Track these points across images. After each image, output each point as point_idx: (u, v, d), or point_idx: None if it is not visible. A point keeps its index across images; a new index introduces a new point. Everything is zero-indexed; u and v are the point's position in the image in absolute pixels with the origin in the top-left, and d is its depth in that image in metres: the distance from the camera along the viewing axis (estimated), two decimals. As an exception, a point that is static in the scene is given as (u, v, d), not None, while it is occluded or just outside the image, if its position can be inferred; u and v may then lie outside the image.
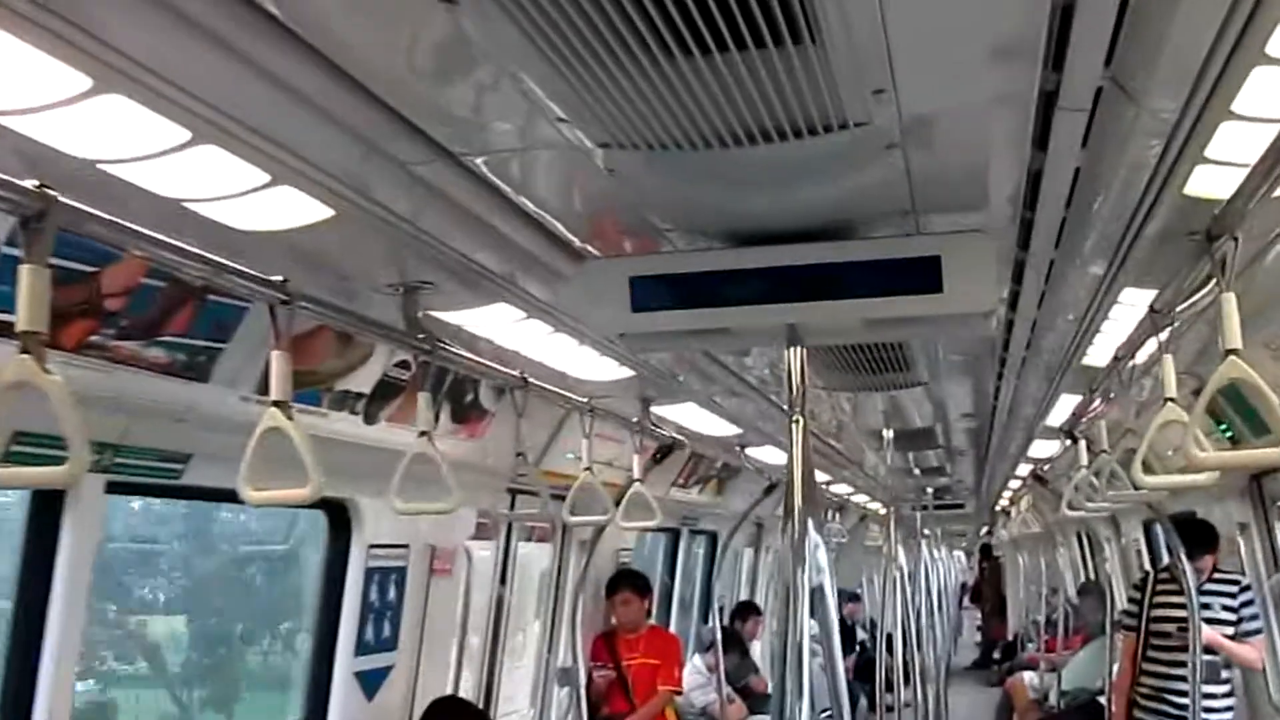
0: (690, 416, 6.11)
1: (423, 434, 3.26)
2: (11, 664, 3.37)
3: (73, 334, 2.89)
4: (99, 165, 2.22)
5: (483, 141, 2.51)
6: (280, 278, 2.56)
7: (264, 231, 2.62)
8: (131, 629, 6.01)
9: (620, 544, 8.12)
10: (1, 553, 3.65)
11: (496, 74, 2.14)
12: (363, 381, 4.07)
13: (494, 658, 6.66)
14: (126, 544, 5.93)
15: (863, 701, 11.47)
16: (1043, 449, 8.23)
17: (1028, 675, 12.68)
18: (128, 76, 1.91)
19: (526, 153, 2.61)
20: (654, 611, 8.95)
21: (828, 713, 3.20)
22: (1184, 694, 6.06)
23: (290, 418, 2.53)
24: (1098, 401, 4.67)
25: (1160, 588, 6.72)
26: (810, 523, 2.91)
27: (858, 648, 13.77)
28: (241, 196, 2.41)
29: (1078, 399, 5.42)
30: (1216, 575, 6.48)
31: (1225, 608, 6.35)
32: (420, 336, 3.24)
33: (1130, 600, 7.27)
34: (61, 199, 1.93)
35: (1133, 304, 3.62)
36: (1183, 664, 6.04)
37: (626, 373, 4.62)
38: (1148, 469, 3.32)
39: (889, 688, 9.95)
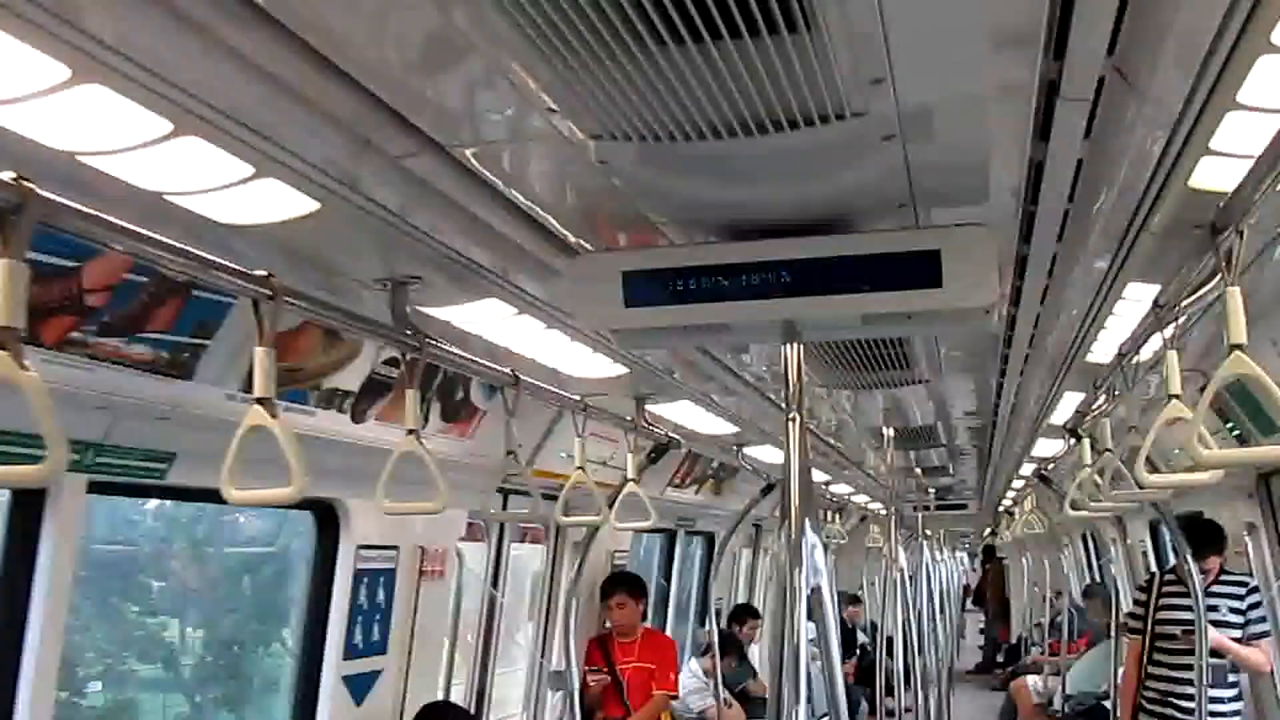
0: (686, 415, 6.11)
1: (411, 432, 3.25)
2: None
3: (53, 330, 2.89)
4: (78, 157, 2.22)
5: (472, 133, 2.51)
6: (264, 272, 2.55)
7: (248, 225, 2.62)
8: (150, 629, 6.04)
9: (615, 545, 8.13)
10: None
11: (485, 63, 2.13)
12: (350, 379, 4.07)
13: (485, 661, 6.66)
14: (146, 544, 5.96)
15: (863, 706, 11.50)
16: (1046, 448, 8.24)
17: (1031, 679, 12.70)
18: (107, 66, 1.90)
19: (517, 144, 2.61)
20: (650, 614, 8.96)
21: (826, 717, 3.21)
22: (1190, 698, 6.08)
23: (274, 415, 2.52)
24: (1101, 399, 4.67)
25: (1166, 589, 6.73)
26: (808, 523, 2.91)
27: (858, 651, 13.78)
28: (225, 189, 2.41)
29: (1081, 396, 5.43)
30: (1224, 577, 6.49)
31: (1232, 610, 6.36)
32: (408, 333, 3.24)
33: (1136, 602, 7.27)
34: (39, 191, 1.92)
35: (1137, 299, 3.62)
36: (1189, 667, 6.05)
37: (620, 370, 4.62)
38: (1152, 468, 3.33)
39: (890, 692, 9.96)
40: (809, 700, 2.91)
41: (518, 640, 7.69)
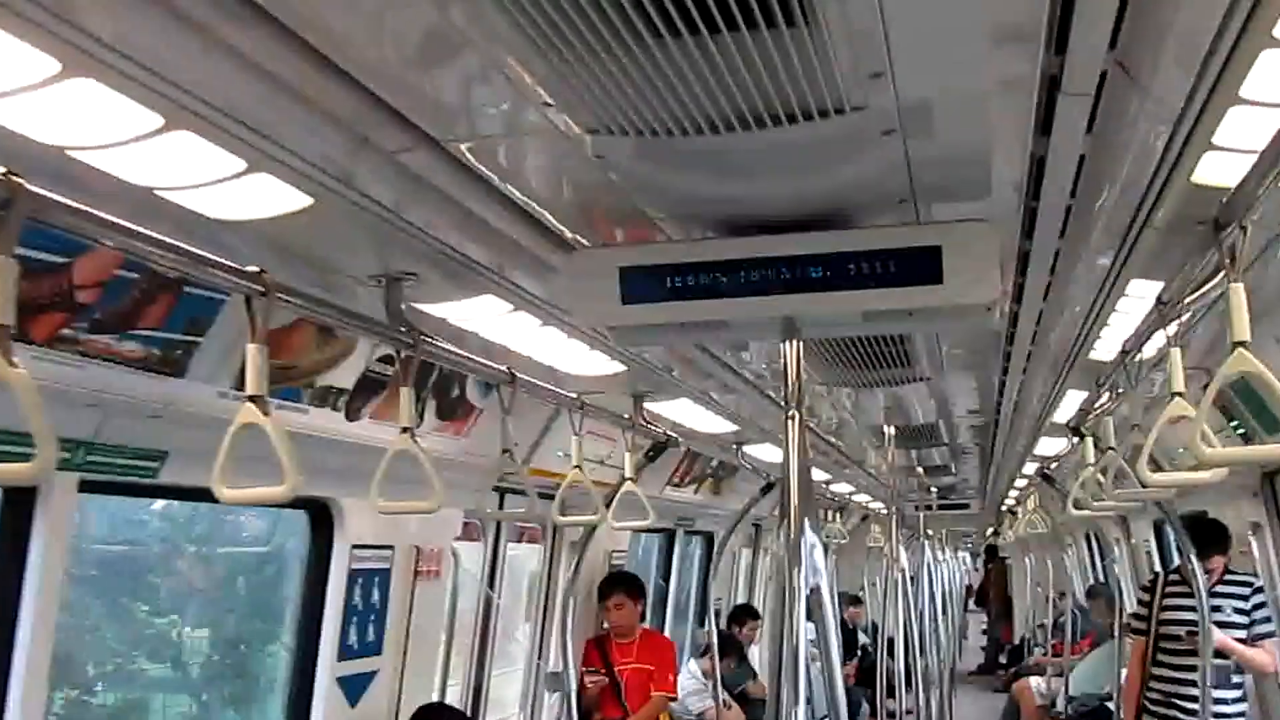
0: (685, 413, 6.11)
1: (405, 430, 3.26)
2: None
3: (43, 327, 2.89)
4: (68, 152, 2.22)
5: (467, 128, 2.51)
6: (256, 268, 2.55)
7: (240, 221, 2.62)
8: (160, 629, 6.09)
9: (613, 545, 8.14)
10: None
11: (480, 58, 2.13)
12: (345, 376, 4.07)
13: (482, 663, 6.66)
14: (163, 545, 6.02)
15: (864, 707, 11.50)
16: (1050, 446, 8.25)
17: (1034, 680, 12.72)
18: (98, 60, 1.90)
19: (512, 139, 2.61)
20: (648, 615, 8.96)
21: (827, 719, 3.21)
22: (1194, 699, 6.10)
23: (267, 413, 2.52)
24: (1105, 397, 4.68)
25: (1170, 590, 6.74)
26: (807, 523, 2.91)
27: (859, 652, 13.79)
28: (217, 184, 2.41)
29: (1084, 394, 5.43)
30: (1228, 577, 6.50)
31: (1237, 610, 6.37)
32: (403, 330, 3.24)
33: (1139, 603, 7.28)
34: (28, 187, 1.93)
35: (1140, 296, 3.63)
36: (1193, 668, 6.07)
37: (618, 367, 4.62)
38: (1156, 466, 3.33)
39: (891, 693, 9.97)
40: (809, 701, 2.91)
41: (517, 637, 7.70)
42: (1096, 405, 4.89)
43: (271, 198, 2.53)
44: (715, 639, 8.16)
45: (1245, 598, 6.40)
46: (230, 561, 6.41)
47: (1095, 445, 4.84)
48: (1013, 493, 14.33)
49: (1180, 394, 2.99)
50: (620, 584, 7.75)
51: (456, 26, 2.00)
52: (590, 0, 1.81)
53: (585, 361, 4.41)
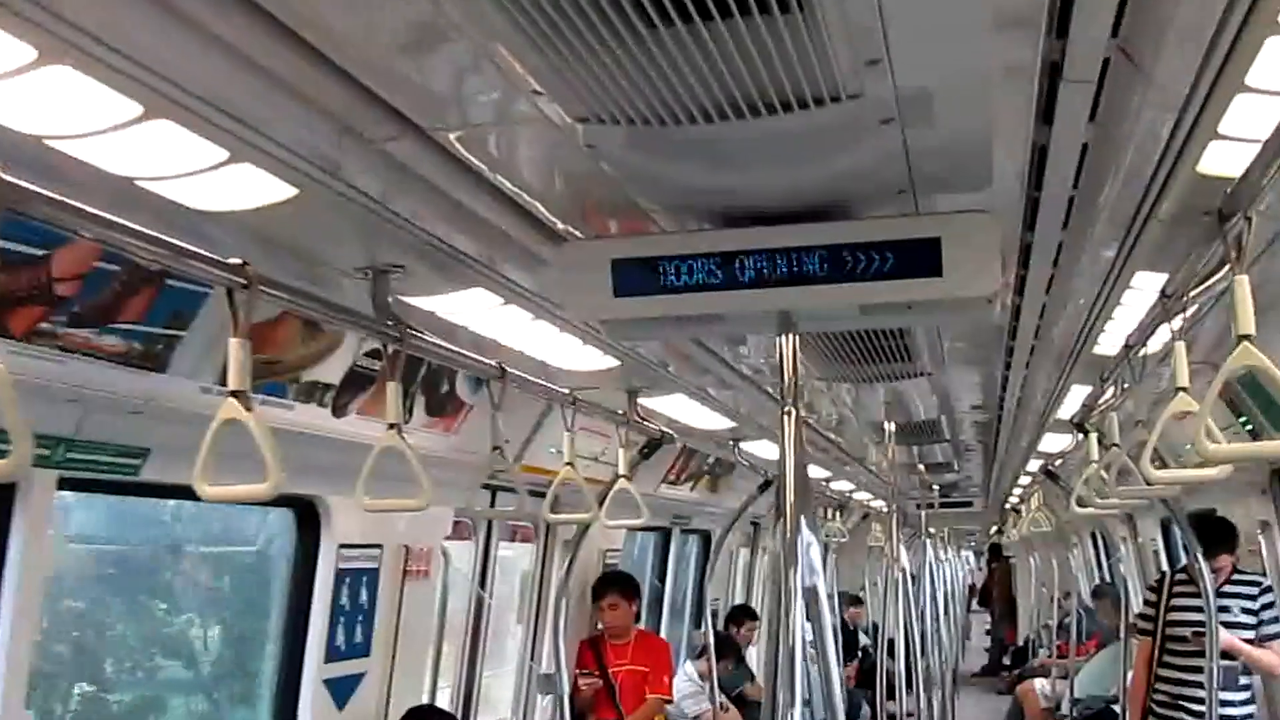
0: (680, 409, 6.11)
1: (392, 426, 3.26)
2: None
3: (21, 321, 2.89)
4: (45, 141, 2.22)
5: (455, 117, 2.51)
6: (239, 260, 2.55)
7: (223, 211, 2.62)
8: (177, 627, 6.15)
9: (607, 544, 8.14)
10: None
11: (468, 45, 2.13)
12: (331, 371, 4.07)
13: (473, 664, 6.67)
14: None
15: (865, 710, 11.52)
16: (1054, 443, 8.26)
17: (1039, 682, 12.73)
18: (75, 47, 1.90)
19: (502, 128, 2.61)
20: (643, 616, 8.97)
21: (824, 721, 3.22)
22: (1201, 701, 6.10)
23: (249, 409, 2.52)
24: (1109, 392, 4.68)
25: (1177, 589, 6.74)
26: (804, 521, 2.91)
27: (860, 653, 13.80)
28: (198, 174, 2.41)
29: (1089, 390, 5.44)
30: (1236, 576, 6.51)
31: (1245, 610, 6.38)
32: (390, 324, 3.24)
33: (1146, 603, 7.30)
34: (5, 177, 1.93)
35: (1144, 288, 3.63)
36: (1200, 669, 6.07)
37: (611, 362, 4.62)
38: (1162, 463, 3.34)
39: (891, 695, 9.97)
40: (807, 704, 2.92)
41: (513, 633, 7.71)
42: (1101, 401, 4.90)
43: (254, 188, 2.53)
44: (712, 640, 8.16)
45: (1253, 598, 6.41)
46: (242, 560, 6.46)
47: (1099, 441, 4.85)
48: (1017, 490, 14.35)
49: (1185, 389, 2.99)
50: (615, 584, 7.75)
51: (444, 13, 2.00)
52: (581, -14, 1.81)
53: (578, 356, 4.41)
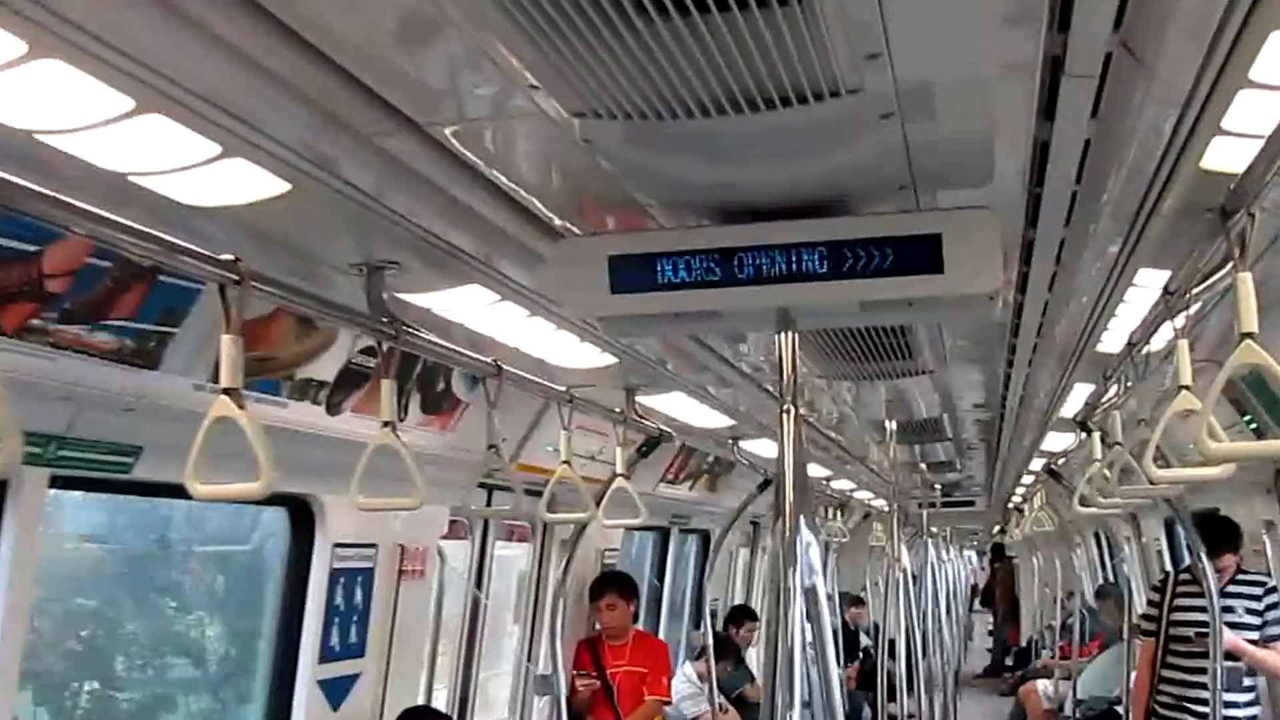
0: (679, 407, 6.11)
1: (386, 424, 3.26)
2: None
3: (12, 317, 2.89)
4: (35, 136, 2.22)
5: (450, 111, 2.51)
6: (231, 256, 2.55)
7: (215, 207, 2.62)
8: (189, 624, 6.27)
9: (605, 544, 8.15)
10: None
11: (463, 38, 2.14)
12: (325, 369, 4.07)
13: (469, 665, 6.68)
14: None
15: (866, 712, 11.53)
16: (1057, 442, 8.26)
17: (1042, 684, 12.75)
18: (66, 40, 1.90)
19: (497, 123, 2.61)
20: (641, 616, 8.99)
21: (823, 723, 3.22)
22: (1205, 702, 6.10)
23: (241, 406, 2.53)
24: (1112, 390, 4.69)
25: (1181, 590, 6.75)
26: (803, 520, 2.91)
27: (861, 655, 13.81)
28: (190, 169, 2.41)
29: (1092, 388, 5.44)
30: (1240, 576, 6.51)
31: (1249, 611, 6.38)
32: (384, 320, 3.24)
33: (1149, 603, 7.30)
34: (-5, 172, 1.93)
35: (1148, 286, 3.64)
36: (1204, 671, 6.07)
37: (609, 360, 4.62)
38: (1164, 462, 3.34)
39: (892, 697, 9.98)
40: (806, 705, 2.92)
41: (511, 634, 7.71)
42: (1104, 399, 4.90)
43: (247, 183, 2.53)
44: (711, 641, 8.15)
45: (1258, 598, 6.41)
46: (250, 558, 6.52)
47: (1102, 440, 4.85)
48: (1019, 489, 14.36)
49: (1187, 387, 2.99)
50: (612, 584, 7.75)
51: (438, 6, 2.00)
52: (576, -22, 1.81)
53: (575, 354, 4.41)
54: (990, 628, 22.92)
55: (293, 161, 2.47)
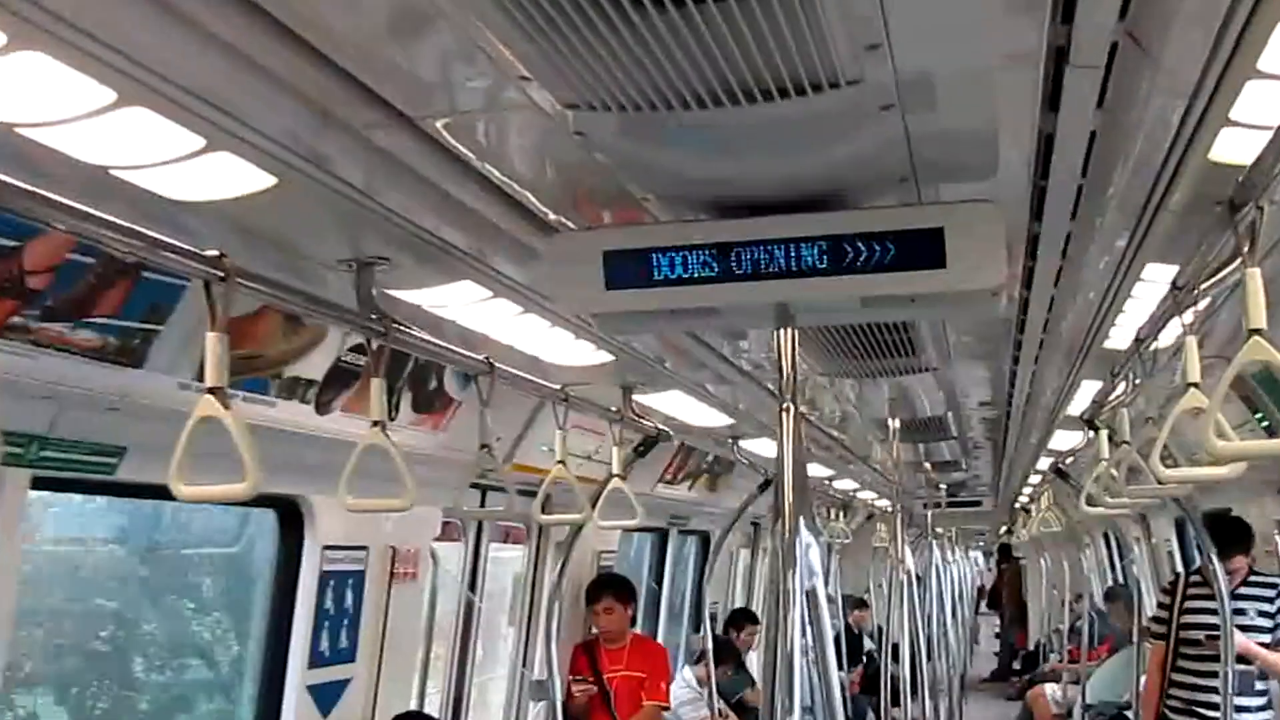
0: (677, 406, 6.11)
1: (376, 424, 3.26)
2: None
3: (-9, 315, 2.89)
4: (16, 129, 2.21)
5: (441, 103, 2.51)
6: (216, 252, 2.56)
7: (200, 201, 2.62)
8: (204, 625, 6.38)
9: (602, 546, 8.15)
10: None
11: (453, 28, 2.14)
12: (314, 367, 4.08)
13: (462, 670, 6.68)
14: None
15: (870, 717, 11.54)
16: (1064, 440, 8.27)
17: (1050, 688, 12.77)
18: (47, 32, 1.90)
19: (489, 116, 2.61)
20: (639, 619, 8.98)
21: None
22: (1216, 707, 6.12)
23: (227, 406, 2.53)
24: (1120, 388, 4.69)
25: (1191, 592, 6.76)
26: (803, 521, 2.92)
27: (864, 659, 13.83)
28: (174, 163, 2.41)
29: (1099, 385, 5.45)
30: (1252, 578, 6.53)
31: (1261, 613, 6.40)
32: (374, 317, 3.24)
33: (1159, 605, 7.31)
34: (-28, 166, 1.93)
35: (1156, 280, 3.64)
36: (1215, 674, 6.09)
37: (605, 357, 4.62)
38: (1173, 461, 3.35)
39: (896, 702, 9.99)
40: (809, 710, 2.93)
41: (506, 637, 7.72)
42: (1111, 396, 4.91)
43: (233, 177, 2.52)
44: (711, 645, 8.17)
45: (1270, 600, 6.43)
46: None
47: (1110, 439, 4.86)
48: (1027, 489, 14.37)
49: (1196, 385, 3.00)
50: (609, 587, 7.75)
51: (427, -5, 2.00)
52: (568, -33, 1.81)
53: (570, 351, 4.41)
54: (997, 631, 22.95)
55: (280, 155, 2.47)
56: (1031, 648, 19.32)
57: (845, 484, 12.62)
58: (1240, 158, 2.54)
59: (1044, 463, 10.29)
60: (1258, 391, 5.06)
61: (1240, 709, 6.11)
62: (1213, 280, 2.94)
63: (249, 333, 3.62)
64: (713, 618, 9.75)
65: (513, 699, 7.30)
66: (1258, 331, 2.42)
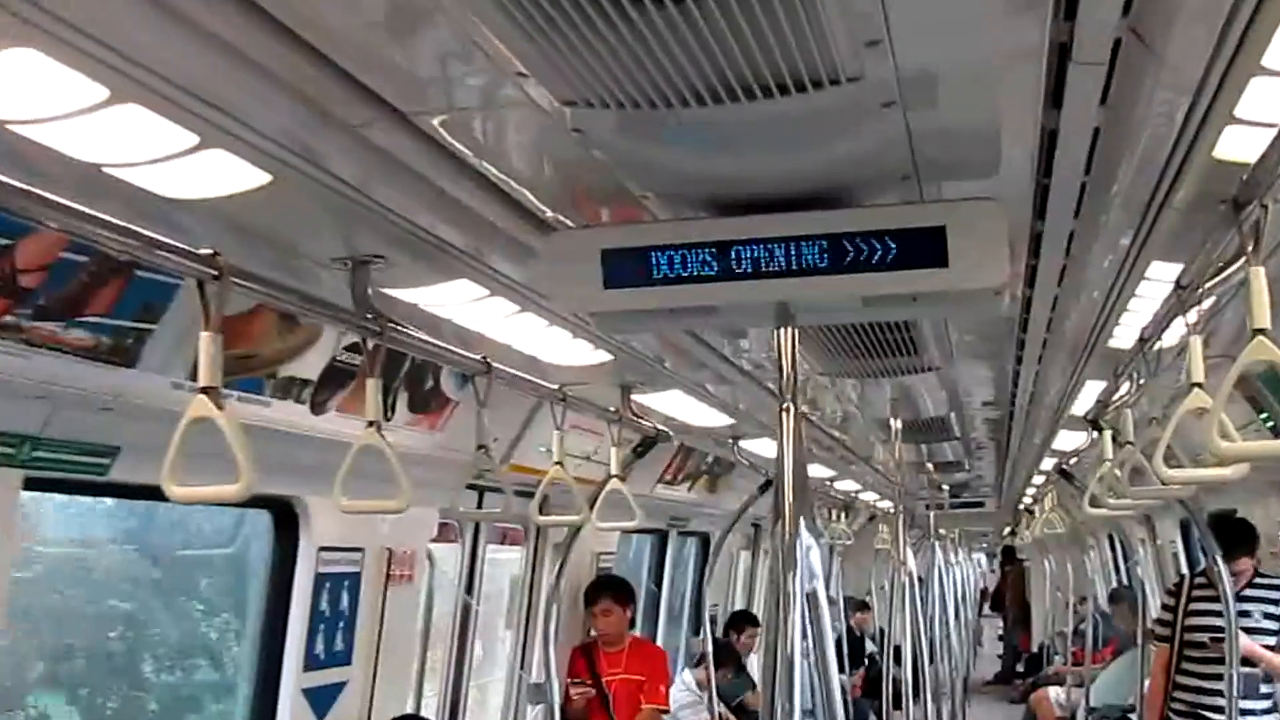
0: (677, 406, 6.12)
1: (371, 424, 3.26)
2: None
3: (-17, 314, 2.90)
4: (8, 126, 2.22)
5: (437, 100, 2.51)
6: (210, 251, 2.56)
7: (193, 199, 2.62)
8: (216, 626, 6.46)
9: (600, 547, 8.15)
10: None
11: (449, 24, 2.14)
12: (309, 366, 4.08)
13: (459, 673, 6.68)
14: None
15: (871, 720, 11.55)
16: (1068, 440, 8.27)
17: (1054, 691, 12.79)
18: (38, 28, 1.90)
19: (486, 112, 2.61)
20: (638, 622, 8.99)
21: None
22: (1221, 710, 6.12)
23: (220, 406, 2.53)
24: (1124, 388, 4.70)
25: (1196, 593, 6.77)
26: (803, 523, 2.92)
27: (866, 661, 13.83)
28: (167, 161, 2.41)
29: (1104, 385, 5.45)
30: (1257, 580, 6.53)
31: (1267, 615, 6.41)
32: (370, 316, 3.24)
33: (1164, 608, 7.31)
34: (-37, 163, 1.93)
35: (1160, 279, 3.64)
36: (1219, 677, 6.10)
37: (603, 356, 4.63)
38: (1177, 462, 3.35)
39: (899, 705, 10.00)
40: (809, 714, 2.93)
41: (504, 639, 7.72)
42: (1116, 396, 4.91)
43: (227, 175, 2.52)
44: (711, 647, 8.17)
45: (1275, 602, 6.43)
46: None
47: (1114, 439, 4.86)
48: (1030, 490, 14.37)
49: (1200, 385, 3.00)
50: (608, 589, 7.76)
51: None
52: (565, -38, 1.81)
53: (568, 350, 4.41)
54: (1000, 633, 22.96)
55: (274, 152, 2.47)
56: (1035, 650, 19.31)
57: (847, 485, 12.62)
58: (1245, 155, 2.54)
59: (1048, 463, 10.29)
60: (1263, 392, 5.07)
61: (1245, 712, 6.12)
62: (1217, 279, 2.94)
63: (243, 332, 3.62)
64: (713, 620, 9.74)
65: (510, 702, 7.31)
66: (1262, 331, 2.42)
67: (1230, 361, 3.98)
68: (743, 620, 11.19)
